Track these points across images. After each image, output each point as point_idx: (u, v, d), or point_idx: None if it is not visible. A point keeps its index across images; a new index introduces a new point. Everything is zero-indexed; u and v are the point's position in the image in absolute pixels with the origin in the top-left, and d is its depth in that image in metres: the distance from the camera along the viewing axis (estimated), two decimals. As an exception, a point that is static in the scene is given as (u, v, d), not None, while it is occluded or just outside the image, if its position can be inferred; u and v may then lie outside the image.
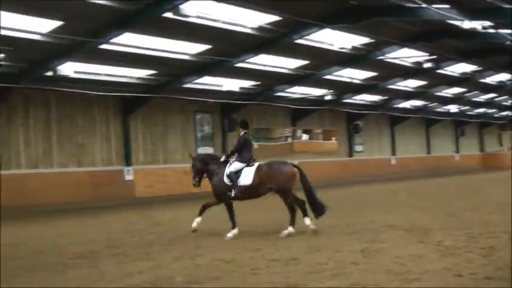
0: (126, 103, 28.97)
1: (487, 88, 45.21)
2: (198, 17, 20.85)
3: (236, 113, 34.00)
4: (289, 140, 38.60)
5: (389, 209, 16.63)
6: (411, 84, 40.10)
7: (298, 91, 36.02)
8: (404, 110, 47.66)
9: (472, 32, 26.69)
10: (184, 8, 19.32)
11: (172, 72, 27.65)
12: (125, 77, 27.38)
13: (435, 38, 27.60)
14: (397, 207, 17.19)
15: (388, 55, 30.25)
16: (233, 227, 12.13)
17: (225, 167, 12.27)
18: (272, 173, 12.12)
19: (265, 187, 12.15)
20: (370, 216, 14.72)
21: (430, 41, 27.99)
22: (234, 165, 12.22)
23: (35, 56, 22.62)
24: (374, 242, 10.39)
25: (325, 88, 36.61)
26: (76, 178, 26.73)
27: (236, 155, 12.42)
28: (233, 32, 23.25)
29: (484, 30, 26.37)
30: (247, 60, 27.10)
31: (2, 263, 10.12)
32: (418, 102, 47.95)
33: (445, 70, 36.31)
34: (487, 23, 25.54)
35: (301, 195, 12.25)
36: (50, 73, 23.60)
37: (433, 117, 52.26)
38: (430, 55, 31.81)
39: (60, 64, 23.11)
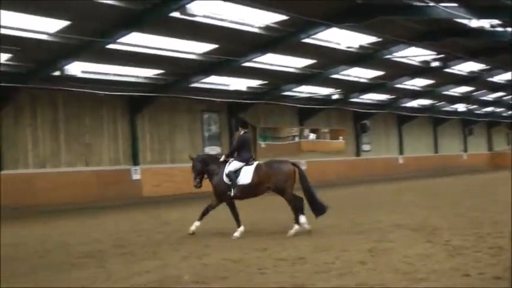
0: (134, 103, 29.02)
1: (495, 87, 45.01)
2: (205, 16, 20.84)
3: (243, 112, 33.96)
4: (297, 139, 38.60)
5: (397, 209, 16.60)
6: (419, 83, 39.98)
7: (305, 90, 35.98)
8: (412, 109, 47.52)
9: (480, 31, 26.59)
10: (191, 7, 19.31)
11: (179, 71, 27.67)
12: (132, 76, 27.41)
13: (443, 37, 27.48)
14: (405, 207, 17.15)
15: (395, 54, 30.16)
16: (238, 226, 12.14)
17: (225, 167, 12.29)
18: (271, 171, 12.13)
19: (264, 186, 12.16)
20: (378, 216, 14.69)
21: (437, 39, 27.87)
22: (233, 165, 12.24)
23: (42, 56, 22.68)
24: (381, 241, 10.37)
25: (333, 87, 36.55)
26: (83, 178, 26.79)
27: (235, 154, 12.42)
28: (240, 31, 23.24)
29: (492, 29, 26.28)
30: (255, 60, 27.08)
31: (9, 263, 10.16)
32: (425, 101, 47.81)
33: (453, 69, 36.16)
34: (495, 21, 25.44)
35: (301, 194, 12.20)
36: (57, 73, 23.65)
37: (441, 116, 52.07)
38: (437, 54, 31.73)
39: (67, 64, 23.16)
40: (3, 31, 19.34)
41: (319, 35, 25.20)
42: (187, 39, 23.44)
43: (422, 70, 34.99)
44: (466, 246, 9.38)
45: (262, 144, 36.05)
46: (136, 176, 29.14)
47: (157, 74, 27.91)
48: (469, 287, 6.82)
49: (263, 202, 15.70)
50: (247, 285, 7.44)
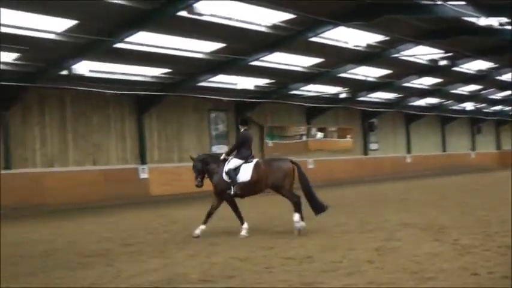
0: (141, 102, 29.06)
1: (504, 85, 44.79)
2: (212, 15, 20.84)
3: (251, 111, 34.00)
4: (304, 138, 38.58)
5: (405, 207, 16.56)
6: (426, 82, 39.85)
7: (312, 89, 35.93)
8: (420, 107, 47.40)
9: (488, 29, 26.48)
10: (199, 6, 19.31)
11: (187, 70, 27.69)
12: (140, 75, 27.46)
13: (451, 35, 27.38)
14: (412, 206, 17.12)
15: (403, 53, 30.07)
16: (242, 223, 12.15)
17: (224, 165, 12.31)
18: (269, 169, 12.14)
19: (263, 183, 12.15)
20: (385, 215, 14.67)
21: (445, 38, 27.78)
22: (233, 162, 12.26)
23: (50, 56, 22.74)
24: (389, 240, 10.35)
25: (340, 86, 36.50)
26: (91, 177, 26.85)
27: (236, 152, 12.44)
28: (247, 30, 23.23)
29: (500, 27, 26.16)
30: (262, 59, 27.07)
31: (17, 262, 10.19)
32: (433, 100, 47.68)
33: (461, 67, 36.04)
34: (504, 20, 25.32)
35: (300, 193, 12.18)
36: (65, 72, 23.71)
37: (449, 115, 51.92)
38: (445, 52, 31.62)
39: (75, 63, 23.21)
40: (12, 31, 19.44)
41: (327, 34, 25.16)
42: (195, 38, 23.46)
43: (430, 69, 34.88)
44: (474, 245, 9.35)
45: (270, 143, 36.04)
46: (143, 175, 29.19)
47: (165, 73, 27.93)
48: (478, 286, 6.79)
49: (268, 201, 15.67)
50: (254, 284, 7.43)
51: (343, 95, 37.73)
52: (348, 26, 24.07)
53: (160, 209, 21.02)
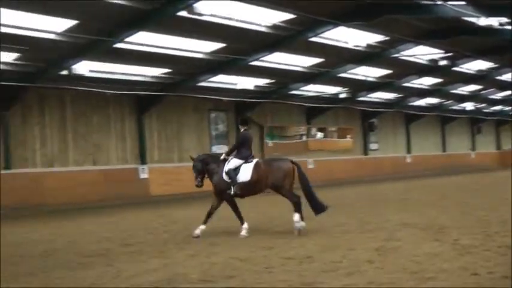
0: (141, 101, 29.07)
1: (504, 85, 44.80)
2: (212, 15, 20.85)
3: (251, 111, 34.01)
4: (304, 138, 38.58)
5: (405, 207, 16.57)
6: (426, 82, 39.86)
7: (312, 89, 35.93)
8: (420, 107, 47.41)
9: (488, 29, 26.48)
10: (199, 6, 19.31)
11: (187, 70, 27.70)
12: (140, 75, 27.46)
13: (451, 35, 27.38)
14: (413, 206, 17.12)
15: (403, 53, 30.07)
16: (242, 223, 12.15)
17: (224, 165, 12.31)
18: (269, 169, 12.14)
19: (263, 183, 12.14)
20: (385, 215, 14.68)
21: (445, 38, 27.78)
22: (233, 162, 12.26)
23: (50, 56, 22.74)
24: (389, 240, 10.35)
25: (340, 86, 36.50)
26: (91, 177, 26.84)
27: (235, 152, 12.46)
28: (247, 30, 23.24)
29: (500, 27, 26.15)
30: (262, 59, 27.08)
31: (17, 262, 10.19)
32: (433, 100, 47.68)
33: (461, 67, 36.05)
34: (504, 20, 25.31)
35: (300, 193, 12.18)
36: (65, 72, 23.71)
37: (449, 115, 51.93)
38: (445, 52, 31.62)
39: (75, 63, 23.21)
40: (12, 31, 19.45)
41: (327, 34, 25.16)
42: (195, 38, 23.46)
43: (430, 69, 34.88)
44: (474, 245, 9.35)
45: (270, 143, 36.04)
46: (144, 175, 29.20)
47: (165, 73, 27.93)
48: (478, 286, 6.78)
49: (268, 201, 15.66)
50: (254, 284, 7.43)
51: (343, 95, 37.72)
52: (348, 26, 24.08)
53: (160, 209, 21.02)
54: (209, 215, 12.33)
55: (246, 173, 12.08)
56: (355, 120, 43.12)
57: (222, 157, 12.65)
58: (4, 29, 19.14)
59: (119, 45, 22.00)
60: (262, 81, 32.41)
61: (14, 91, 23.76)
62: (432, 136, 52.22)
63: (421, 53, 31.09)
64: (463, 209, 15.18)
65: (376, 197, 21.82)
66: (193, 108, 31.89)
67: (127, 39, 21.66)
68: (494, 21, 25.41)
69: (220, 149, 30.06)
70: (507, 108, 57.43)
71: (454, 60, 33.49)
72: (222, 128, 33.62)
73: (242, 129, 12.80)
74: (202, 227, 12.19)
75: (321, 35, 24.91)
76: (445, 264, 7.98)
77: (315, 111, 38.57)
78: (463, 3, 21.95)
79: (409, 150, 48.80)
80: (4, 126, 24.20)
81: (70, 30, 20.53)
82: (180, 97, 30.10)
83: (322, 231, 12.02)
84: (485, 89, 46.44)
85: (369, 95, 40.00)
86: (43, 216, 20.42)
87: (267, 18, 22.87)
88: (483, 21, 24.91)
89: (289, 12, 22.15)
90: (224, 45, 24.99)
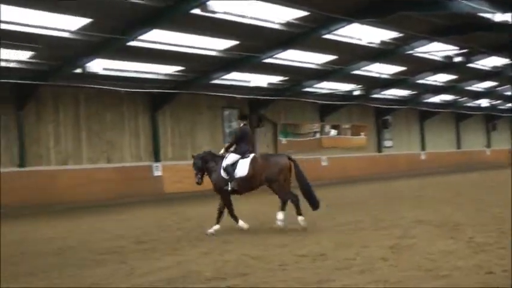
0: (155, 99, 29.14)
1: (520, 82, 44.49)
2: (225, 13, 20.83)
3: (264, 108, 34.01)
4: (318, 135, 38.49)
5: (419, 205, 16.47)
6: (441, 78, 39.63)
7: (326, 86, 35.83)
8: (434, 104, 47.13)
9: (504, 25, 26.23)
10: (212, 4, 19.31)
11: (200, 68, 27.70)
12: (153, 73, 27.51)
13: (466, 32, 27.18)
14: (427, 203, 17.02)
15: (417, 49, 29.91)
16: (236, 221, 12.23)
17: (222, 162, 12.35)
18: (266, 164, 12.12)
19: (258, 179, 12.12)
20: (400, 212, 14.60)
21: (460, 34, 27.59)
22: (230, 158, 12.30)
23: (64, 54, 22.83)
24: (403, 237, 10.29)
25: (354, 83, 36.36)
26: (105, 174, 26.95)
27: (234, 147, 12.50)
28: (261, 27, 23.20)
29: (516, 23, 25.92)
30: (275, 56, 27.04)
31: (30, 259, 10.25)
32: (448, 97, 47.40)
33: (476, 64, 35.80)
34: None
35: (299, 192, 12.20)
36: (79, 70, 23.82)
37: (464, 111, 51.62)
38: (460, 49, 31.39)
39: (89, 61, 23.31)
40: (26, 29, 19.55)
41: (340, 31, 25.06)
42: (208, 35, 23.47)
43: (444, 65, 34.65)
44: (489, 242, 9.27)
45: (283, 140, 36.01)
46: (157, 173, 29.26)
47: (178, 71, 27.98)
48: (493, 284, 6.72)
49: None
50: (268, 282, 7.41)
51: (356, 92, 37.61)
52: (362, 23, 23.97)
53: (173, 207, 21.07)
54: (220, 213, 12.34)
55: (243, 168, 12.08)
56: (369, 118, 42.97)
57: (220, 152, 12.74)
58: (19, 28, 19.26)
59: (132, 43, 22.04)
60: (275, 79, 32.36)
61: (28, 89, 23.95)
62: (447, 133, 51.92)
63: (436, 49, 30.89)
64: (478, 206, 15.07)
65: (390, 194, 21.73)
66: (206, 106, 31.91)
67: (140, 37, 21.70)
68: (509, 17, 25.14)
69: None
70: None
71: (469, 57, 33.25)
72: (235, 125, 33.56)
73: (241, 124, 12.81)
74: (216, 227, 12.17)
75: (335, 32, 24.82)
76: (459, 262, 7.92)
77: (329, 108, 38.46)
78: (478, -1, 21.80)
79: (423, 148, 48.57)
80: (19, 125, 24.34)
81: (84, 28, 20.60)
82: (193, 95, 30.14)
83: (335, 228, 11.99)
84: (501, 86, 46.07)
85: (382, 92, 39.84)
86: (57, 214, 20.53)
87: (280, 15, 22.81)
88: (499, 17, 24.67)
89: (303, 9, 22.09)
90: (237, 42, 24.98)
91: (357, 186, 28.23)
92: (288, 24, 23.51)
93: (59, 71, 23.93)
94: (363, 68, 32.18)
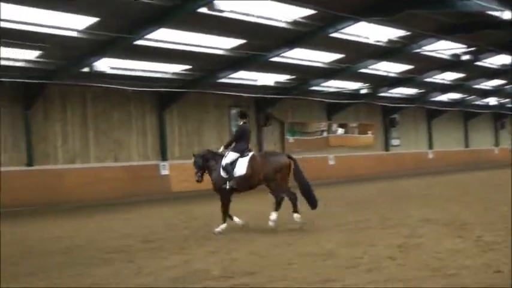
0: (162, 98, 29.17)
1: (528, 80, 44.29)
2: (232, 11, 20.82)
3: (271, 107, 34.00)
4: (325, 134, 38.46)
5: (427, 203, 16.42)
6: (449, 77, 39.51)
7: (333, 85, 35.80)
8: (442, 103, 47.00)
9: (512, 23, 26.13)
10: (219, 3, 19.29)
11: (207, 67, 27.71)
12: (160, 72, 27.54)
13: (473, 30, 27.07)
14: (435, 202, 16.96)
15: (424, 48, 29.82)
16: (224, 221, 12.18)
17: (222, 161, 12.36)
18: (264, 162, 12.10)
19: (257, 177, 12.10)
20: (407, 211, 14.56)
21: (468, 32, 27.48)
22: (229, 156, 12.30)
23: (71, 53, 22.88)
24: (411, 236, 10.26)
25: (361, 82, 36.31)
26: (112, 173, 26.99)
27: (233, 145, 12.50)
28: (268, 26, 23.17)
29: (524, 21, 25.79)
30: (282, 55, 27.00)
31: (37, 258, 10.27)
32: (456, 95, 47.25)
33: (484, 62, 35.67)
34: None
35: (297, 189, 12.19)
36: (86, 69, 23.87)
37: (472, 110, 51.43)
38: (468, 47, 31.28)
39: (96, 60, 23.36)
40: (34, 29, 19.60)
41: (347, 29, 25.01)
42: (215, 34, 23.46)
43: (452, 64, 34.55)
44: (497, 241, 9.22)
45: (291, 139, 35.98)
46: (164, 172, 29.29)
47: (185, 70, 27.99)
48: (501, 283, 6.69)
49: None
50: (275, 280, 7.40)
51: (364, 91, 37.56)
52: (369, 21, 23.91)
53: (181, 206, 21.08)
54: (225, 214, 12.35)
55: (241, 167, 12.07)
56: (376, 116, 42.89)
57: (220, 150, 12.76)
58: (26, 27, 19.32)
59: (139, 42, 22.07)
60: (282, 77, 32.34)
61: (36, 88, 24.02)
62: (454, 132, 51.76)
63: (443, 47, 30.80)
64: (486, 205, 15.01)
65: (397, 193, 21.67)
66: (213, 105, 31.92)
67: (148, 36, 21.72)
68: (518, 15, 25.05)
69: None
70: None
71: (476, 55, 33.11)
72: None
73: (241, 123, 12.79)
74: (223, 226, 12.18)
75: (342, 30, 24.78)
76: (467, 261, 7.89)
77: (336, 107, 38.40)
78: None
79: (431, 146, 48.43)
80: (26, 124, 24.41)
81: (91, 27, 20.63)
82: (200, 94, 30.14)
83: (343, 227, 11.96)
84: (509, 84, 45.83)
85: (390, 91, 39.74)
86: (64, 212, 20.58)
87: (287, 14, 22.79)
88: (507, 14, 24.55)
89: (310, 8, 22.05)
90: (244, 41, 24.96)
91: (364, 185, 28.16)
92: (294, 22, 23.48)
93: (67, 70, 24.00)
94: (370, 67, 32.12)
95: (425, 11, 23.85)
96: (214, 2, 19.18)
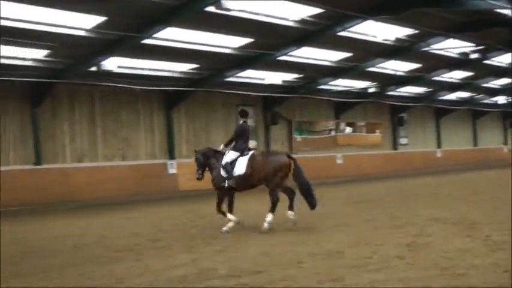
0: (169, 97, 29.20)
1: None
2: (240, 10, 20.82)
3: (279, 106, 33.97)
4: (333, 133, 38.41)
5: (435, 203, 16.36)
6: (457, 75, 39.36)
7: (341, 84, 35.73)
8: (450, 102, 46.85)
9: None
10: (226, 1, 19.27)
11: (214, 66, 27.71)
12: (168, 71, 27.56)
13: (482, 28, 26.95)
14: (443, 201, 16.90)
15: (433, 46, 29.70)
16: (224, 216, 12.30)
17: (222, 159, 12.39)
18: (264, 161, 12.07)
19: (257, 177, 12.08)
20: (416, 210, 14.51)
21: (476, 30, 27.35)
22: (229, 155, 12.32)
23: (79, 52, 22.92)
24: (420, 235, 10.22)
25: (369, 80, 36.22)
26: (120, 172, 27.04)
27: (233, 143, 12.53)
28: (275, 25, 23.15)
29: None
30: (290, 53, 26.96)
31: (46, 256, 10.29)
32: (464, 94, 47.08)
33: (493, 60, 35.51)
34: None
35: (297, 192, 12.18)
36: (94, 68, 23.91)
37: (480, 108, 51.24)
38: (476, 45, 31.16)
39: (104, 59, 23.39)
40: (42, 28, 19.65)
41: (355, 28, 24.95)
42: (223, 33, 23.45)
43: (460, 62, 34.42)
44: (506, 241, 9.16)
45: (298, 138, 35.96)
46: (172, 170, 29.32)
47: (193, 69, 28.00)
48: (507, 284, 6.65)
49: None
50: (283, 279, 7.39)
51: (372, 90, 37.45)
52: (377, 20, 23.81)
53: (188, 204, 21.08)
54: (230, 210, 12.39)
55: (241, 166, 12.07)
56: (384, 115, 42.80)
57: (220, 148, 12.81)
58: (34, 26, 19.37)
59: (147, 41, 22.08)
60: (290, 76, 32.31)
61: (44, 87, 24.09)
62: (463, 130, 51.60)
63: (452, 46, 30.67)
64: (494, 204, 14.93)
65: (406, 192, 21.60)
66: (221, 104, 31.92)
67: (155, 35, 21.73)
68: (527, 13, 24.94)
69: (249, 144, 30.02)
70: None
71: (485, 53, 32.98)
72: (250, 123, 33.49)
73: (241, 122, 12.80)
74: (230, 224, 12.18)
75: (349, 29, 24.72)
76: (476, 260, 7.85)
77: (344, 105, 38.35)
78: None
79: (439, 145, 48.30)
80: (34, 122, 24.48)
81: (99, 26, 20.66)
82: (208, 92, 30.14)
83: (352, 226, 11.93)
84: (518, 82, 45.70)
85: (398, 89, 39.64)
86: (72, 211, 20.62)
87: (295, 12, 22.75)
88: (516, 12, 24.47)
89: (317, 6, 22.00)
90: (252, 40, 24.94)
91: (372, 184, 28.09)
92: (302, 21, 23.44)
93: (75, 69, 24.05)
94: (378, 65, 32.04)
95: (433, 9, 23.75)
96: (222, 0, 19.15)
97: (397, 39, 27.74)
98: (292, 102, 34.55)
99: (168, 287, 7.44)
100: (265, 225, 11.77)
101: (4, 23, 18.46)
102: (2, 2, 17.08)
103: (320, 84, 34.07)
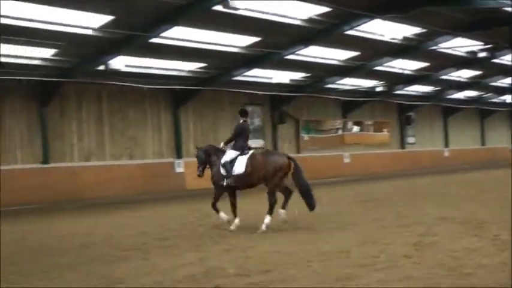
0: (177, 96, 29.24)
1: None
2: (247, 9, 20.82)
3: (286, 105, 33.96)
4: (340, 132, 38.37)
5: (443, 202, 16.32)
6: (465, 74, 39.25)
7: (348, 83, 35.69)
8: (458, 101, 46.71)
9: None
10: (234, 0, 19.29)
11: (222, 65, 27.73)
12: (176, 70, 27.59)
13: (490, 27, 26.85)
14: (451, 200, 16.85)
15: (440, 45, 29.64)
16: (217, 212, 12.48)
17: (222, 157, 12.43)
18: (264, 161, 12.04)
19: (256, 176, 12.06)
20: (423, 209, 14.47)
21: (484, 29, 27.26)
22: (229, 154, 12.33)
23: (87, 51, 22.99)
24: (427, 235, 10.19)
25: (376, 79, 36.17)
26: (128, 171, 27.09)
27: (233, 142, 12.54)
28: (283, 24, 23.15)
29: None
30: (297, 52, 26.96)
31: (53, 255, 10.32)
32: (472, 93, 46.92)
33: (501, 59, 35.37)
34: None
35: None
36: (101, 67, 23.97)
37: (488, 107, 51.05)
38: (484, 44, 31.05)
39: (111, 58, 23.44)
40: (50, 27, 19.72)
41: (363, 27, 24.93)
42: (230, 32, 23.47)
43: (468, 61, 34.32)
44: (514, 240, 9.14)
45: (306, 137, 35.95)
46: (179, 169, 29.35)
47: (201, 68, 28.03)
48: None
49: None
50: (291, 278, 7.38)
51: (379, 89, 37.38)
52: (384, 19, 23.80)
53: (195, 203, 21.05)
54: (233, 208, 12.42)
55: (240, 165, 12.08)
56: (391, 114, 42.72)
57: (220, 146, 12.89)
58: (42, 26, 19.44)
59: (154, 40, 22.12)
60: (297, 75, 32.29)
61: (52, 86, 24.17)
62: (471, 129, 51.44)
63: (460, 45, 30.58)
64: (502, 204, 14.85)
65: (413, 191, 21.55)
66: (228, 103, 31.91)
67: (162, 34, 21.77)
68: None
69: (256, 143, 30.05)
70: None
71: (493, 52, 32.87)
72: (257, 122, 33.58)
73: (241, 121, 12.79)
74: (236, 221, 12.20)
75: (357, 28, 24.71)
76: (484, 259, 7.82)
77: (351, 104, 38.30)
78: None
79: (447, 144, 48.16)
80: (42, 121, 24.56)
81: (106, 25, 20.71)
82: (215, 91, 30.16)
83: (359, 225, 11.91)
84: (527, 81, 45.52)
85: (405, 88, 39.57)
86: (80, 210, 20.67)
87: (302, 11, 22.74)
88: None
89: (325, 5, 22.00)
90: (259, 39, 24.95)
91: (379, 183, 28.04)
92: (310, 20, 23.43)
93: (82, 68, 24.12)
94: (386, 64, 31.99)
95: (441, 7, 23.69)
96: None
97: (405, 38, 27.68)
98: (300, 101, 34.53)
99: (175, 287, 7.45)
100: (263, 227, 11.76)
101: (11, 22, 18.55)
102: (8, 1, 17.14)
103: (327, 83, 34.05)
